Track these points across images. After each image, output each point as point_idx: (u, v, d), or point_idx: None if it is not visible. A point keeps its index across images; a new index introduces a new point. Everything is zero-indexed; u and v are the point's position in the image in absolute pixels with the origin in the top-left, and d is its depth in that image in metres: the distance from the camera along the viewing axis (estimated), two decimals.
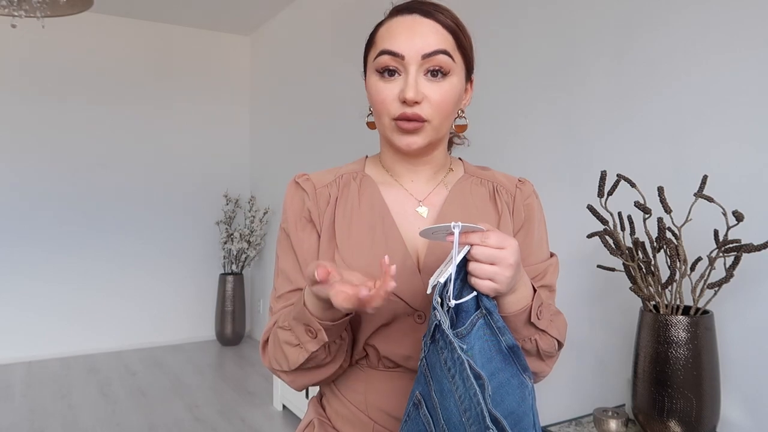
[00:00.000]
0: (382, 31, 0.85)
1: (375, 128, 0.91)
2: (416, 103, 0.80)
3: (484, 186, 0.94)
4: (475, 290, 0.72)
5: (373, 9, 3.64)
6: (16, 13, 2.58)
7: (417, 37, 0.80)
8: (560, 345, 0.88)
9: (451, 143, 0.99)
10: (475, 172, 0.96)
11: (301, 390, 0.88)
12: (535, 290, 0.81)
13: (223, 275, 4.68)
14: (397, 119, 0.82)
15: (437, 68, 0.81)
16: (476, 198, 0.92)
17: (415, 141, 0.83)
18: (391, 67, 0.81)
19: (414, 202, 0.90)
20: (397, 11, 0.84)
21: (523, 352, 0.76)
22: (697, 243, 1.37)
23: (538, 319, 0.80)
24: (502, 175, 0.97)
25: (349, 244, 0.86)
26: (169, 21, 4.64)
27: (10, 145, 4.19)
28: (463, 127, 0.92)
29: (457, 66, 0.83)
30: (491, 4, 2.26)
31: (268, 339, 0.87)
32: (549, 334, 0.84)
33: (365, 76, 0.89)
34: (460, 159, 1.00)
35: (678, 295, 1.33)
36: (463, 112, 0.91)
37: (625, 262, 1.37)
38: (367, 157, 0.98)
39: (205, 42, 4.85)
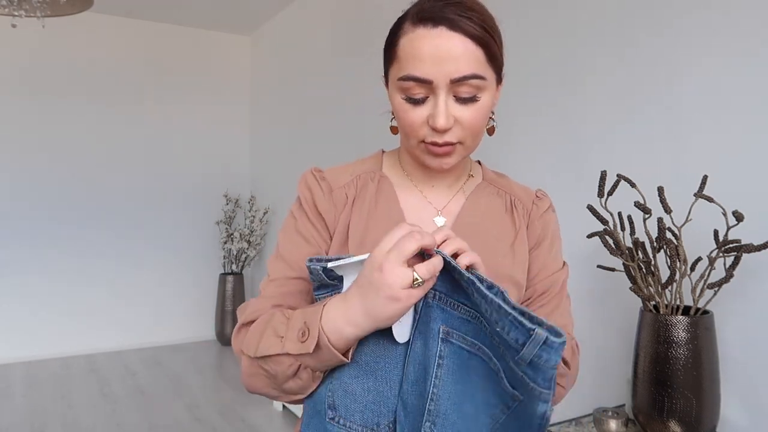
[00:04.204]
0: (405, 45, 0.76)
1: (398, 133, 0.88)
2: (447, 130, 0.76)
3: (501, 197, 0.92)
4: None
5: (373, 9, 3.62)
6: (16, 13, 2.58)
7: (445, 61, 0.73)
8: (566, 362, 0.85)
9: None
10: (493, 180, 0.94)
11: (250, 390, 0.81)
12: None
13: (223, 275, 4.68)
14: (427, 144, 0.79)
15: (468, 93, 0.75)
16: (492, 210, 0.90)
17: (447, 162, 0.81)
18: (416, 96, 0.76)
19: (431, 211, 0.88)
20: (420, 19, 0.75)
21: None
22: (697, 243, 1.37)
23: None
24: (519, 187, 0.95)
25: (361, 250, 0.83)
26: (169, 21, 4.64)
27: (9, 144, 4.19)
28: (492, 129, 0.87)
29: (489, 80, 0.77)
30: (492, 4, 2.26)
31: (251, 322, 0.81)
32: None
33: (386, 82, 0.84)
34: (479, 162, 0.98)
35: (678, 295, 1.33)
36: (492, 114, 0.86)
37: (625, 262, 1.37)
38: (383, 152, 0.94)
39: (205, 42, 4.85)
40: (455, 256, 0.71)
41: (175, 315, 4.75)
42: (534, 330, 0.61)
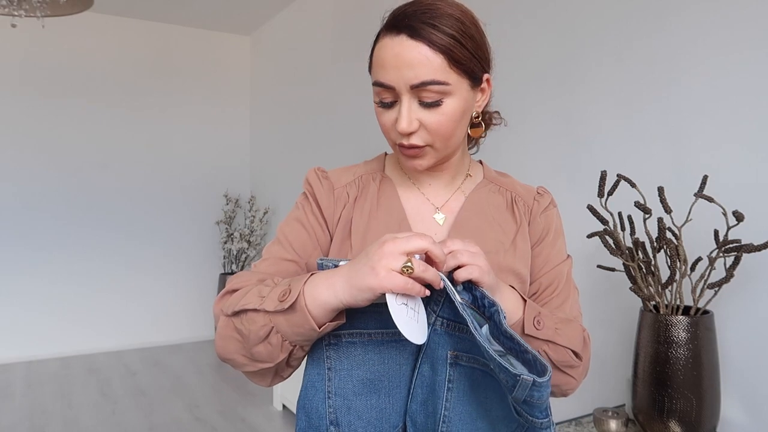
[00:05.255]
0: (376, 53, 0.81)
1: None
2: (411, 133, 0.79)
3: (502, 194, 0.93)
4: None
5: (373, 9, 3.63)
6: (16, 13, 2.58)
7: (403, 68, 0.76)
8: (577, 354, 0.83)
9: (489, 126, 0.94)
10: (494, 179, 0.95)
11: (221, 354, 0.79)
12: (525, 301, 0.80)
13: (223, 275, 4.68)
14: (398, 145, 0.82)
15: (429, 98, 0.77)
16: (493, 206, 0.91)
17: (420, 164, 0.84)
18: (386, 100, 0.80)
19: (431, 208, 0.90)
20: (387, 27, 0.79)
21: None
22: (697, 243, 1.37)
23: (537, 329, 0.78)
24: (521, 185, 0.96)
25: (364, 245, 0.85)
26: (168, 21, 4.64)
27: (9, 144, 4.19)
28: (478, 131, 0.89)
29: (455, 85, 0.78)
30: (493, 3, 2.26)
31: (235, 290, 0.81)
32: (558, 344, 0.80)
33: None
34: (480, 162, 0.99)
35: (678, 295, 1.33)
36: (478, 116, 0.87)
37: (625, 262, 1.37)
38: (386, 154, 0.97)
39: (205, 42, 4.85)
40: (458, 268, 0.71)
41: (174, 315, 4.75)
42: (519, 377, 0.61)
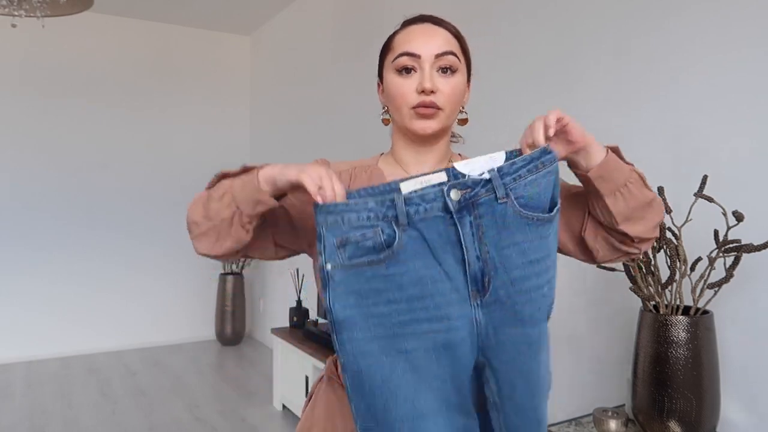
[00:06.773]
0: (399, 38, 0.99)
1: (388, 124, 1.05)
2: (432, 92, 0.95)
3: None
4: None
5: (373, 9, 3.61)
6: (16, 13, 2.58)
7: (431, 40, 0.96)
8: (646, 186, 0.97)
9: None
10: None
11: (188, 219, 0.95)
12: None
13: (223, 275, 4.67)
14: (415, 107, 0.96)
15: (447, 66, 0.96)
16: None
17: (430, 125, 0.97)
18: (408, 66, 0.96)
19: None
20: (410, 22, 1.00)
21: (638, 186, 0.92)
22: (697, 243, 1.37)
23: (621, 156, 0.95)
24: None
25: None
26: (168, 21, 4.64)
27: (9, 144, 4.19)
28: (465, 121, 1.05)
29: (462, 66, 0.99)
30: (492, 2, 2.26)
31: None
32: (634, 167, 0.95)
33: (380, 80, 1.03)
34: (459, 155, 1.09)
35: (678, 295, 1.33)
36: (463, 108, 1.03)
37: (625, 261, 1.37)
38: (382, 154, 1.09)
39: (205, 42, 4.85)
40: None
41: (175, 315, 4.75)
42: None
